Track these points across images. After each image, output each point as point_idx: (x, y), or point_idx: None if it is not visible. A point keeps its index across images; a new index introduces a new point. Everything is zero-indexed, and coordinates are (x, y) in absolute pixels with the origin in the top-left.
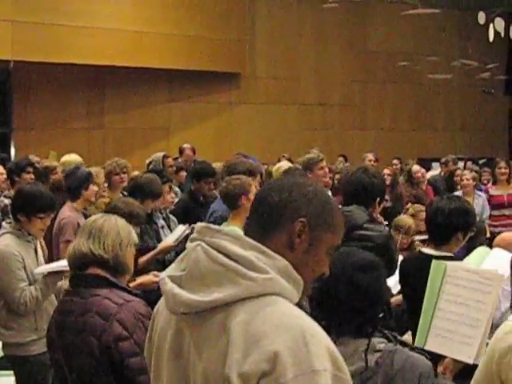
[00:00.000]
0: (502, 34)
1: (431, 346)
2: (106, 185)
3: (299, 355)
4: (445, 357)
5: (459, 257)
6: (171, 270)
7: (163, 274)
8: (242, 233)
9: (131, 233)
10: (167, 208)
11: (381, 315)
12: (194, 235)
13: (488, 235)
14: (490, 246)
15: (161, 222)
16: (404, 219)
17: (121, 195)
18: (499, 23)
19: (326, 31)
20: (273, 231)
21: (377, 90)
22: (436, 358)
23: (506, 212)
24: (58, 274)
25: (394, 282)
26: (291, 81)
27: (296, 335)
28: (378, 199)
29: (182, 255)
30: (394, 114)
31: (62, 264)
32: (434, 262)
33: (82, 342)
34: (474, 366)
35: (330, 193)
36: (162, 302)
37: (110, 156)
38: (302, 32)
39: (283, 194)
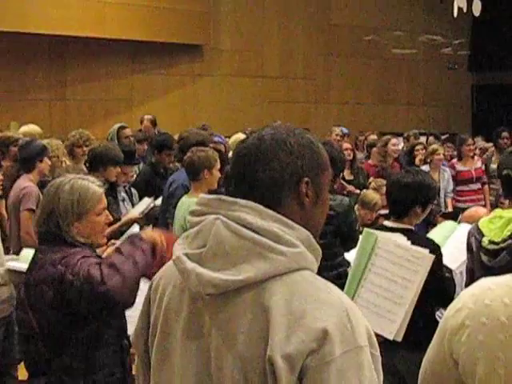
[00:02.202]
0: (465, 9)
1: None
2: (66, 157)
3: (345, 332)
4: None
5: (419, 230)
6: (184, 246)
7: (175, 252)
8: None
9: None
10: (129, 181)
11: None
12: (199, 208)
13: (450, 209)
14: (454, 219)
15: (122, 195)
16: (370, 194)
17: (83, 167)
18: None
19: (290, 4)
20: (279, 203)
21: (340, 63)
22: None
23: (474, 187)
24: None
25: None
26: (255, 53)
27: (339, 312)
28: (338, 171)
29: (194, 230)
30: (357, 88)
31: None
32: (365, 230)
33: (40, 294)
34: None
35: None
36: (161, 278)
37: (71, 127)
38: (266, 5)
39: (273, 164)
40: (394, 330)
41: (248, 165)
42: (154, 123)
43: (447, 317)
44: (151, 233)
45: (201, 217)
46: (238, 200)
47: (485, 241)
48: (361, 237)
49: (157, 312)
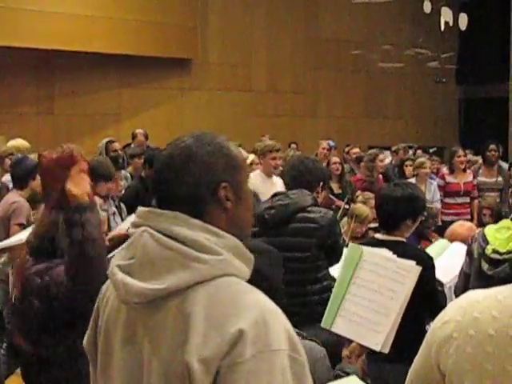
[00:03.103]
0: (451, 23)
1: (338, 328)
2: None
3: (259, 335)
4: (351, 340)
5: (411, 242)
6: (118, 258)
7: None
8: None
9: None
10: (118, 195)
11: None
12: (136, 220)
13: (440, 223)
14: (439, 232)
15: (112, 209)
16: (361, 207)
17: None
18: (446, 12)
19: (278, 18)
20: (203, 213)
21: (328, 77)
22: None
23: (460, 200)
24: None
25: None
26: (243, 67)
27: (256, 315)
28: (321, 184)
29: (127, 242)
30: (345, 101)
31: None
32: (350, 245)
33: (28, 305)
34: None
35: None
36: (107, 288)
37: (59, 142)
38: (255, 19)
39: (187, 179)
40: (381, 341)
41: (164, 183)
42: (146, 137)
43: (434, 328)
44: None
45: (136, 228)
46: (166, 212)
47: (489, 249)
48: (346, 251)
49: (101, 320)
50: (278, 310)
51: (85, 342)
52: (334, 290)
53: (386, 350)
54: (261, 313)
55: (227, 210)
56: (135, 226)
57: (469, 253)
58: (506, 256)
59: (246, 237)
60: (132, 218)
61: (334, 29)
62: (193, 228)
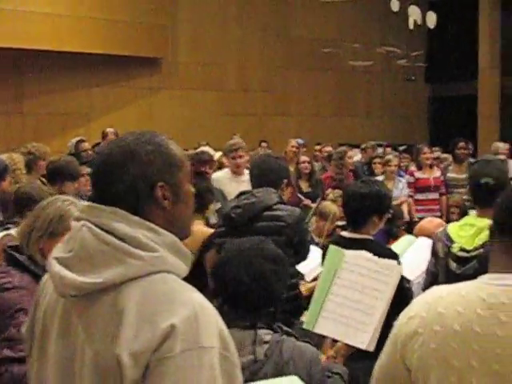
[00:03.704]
0: (419, 21)
1: (321, 328)
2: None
3: (190, 331)
4: (336, 341)
5: (379, 239)
6: (57, 251)
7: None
8: None
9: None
10: (87, 194)
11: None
12: (77, 215)
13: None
14: (409, 229)
15: None
16: (329, 205)
17: (39, 181)
18: (414, 11)
19: (248, 17)
20: (141, 211)
21: (299, 76)
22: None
23: (431, 196)
24: None
25: (309, 269)
26: (213, 66)
27: (188, 311)
28: (286, 181)
29: (67, 236)
30: (315, 100)
31: None
32: (331, 247)
33: None
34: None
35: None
36: (47, 280)
37: (29, 141)
38: (225, 18)
39: (124, 178)
40: (366, 339)
41: (102, 181)
42: (117, 136)
43: (400, 324)
44: None
45: (77, 222)
46: (106, 207)
47: (455, 247)
48: (327, 255)
49: (39, 312)
50: (211, 307)
51: (24, 329)
52: (315, 292)
53: (372, 349)
54: (193, 310)
55: (165, 209)
56: (76, 219)
57: (434, 252)
58: (473, 253)
59: (186, 236)
60: None
61: (305, 27)
62: (131, 224)
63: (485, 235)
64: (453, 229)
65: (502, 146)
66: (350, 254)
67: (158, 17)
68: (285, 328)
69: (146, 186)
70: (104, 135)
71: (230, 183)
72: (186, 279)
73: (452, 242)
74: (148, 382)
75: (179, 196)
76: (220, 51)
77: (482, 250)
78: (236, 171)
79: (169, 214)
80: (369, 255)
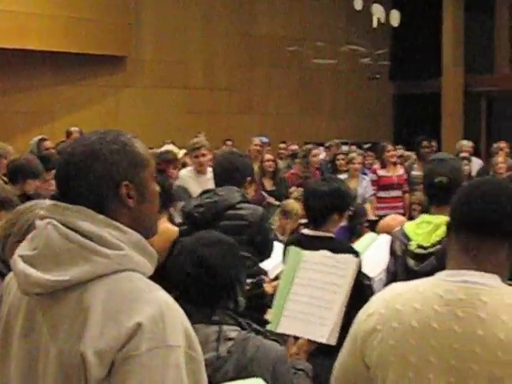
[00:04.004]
0: (382, 20)
1: (283, 328)
2: None
3: (156, 330)
4: (298, 338)
5: (340, 237)
6: (22, 249)
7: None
8: None
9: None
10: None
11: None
12: (42, 213)
13: (371, 217)
14: (373, 227)
15: None
16: (291, 204)
17: (0, 180)
18: (377, 9)
19: (212, 15)
20: (106, 210)
21: (263, 74)
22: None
23: (393, 194)
24: None
25: (272, 266)
26: (177, 64)
27: (154, 310)
28: (249, 179)
29: (31, 234)
30: (280, 98)
31: None
32: (290, 248)
33: None
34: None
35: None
36: (11, 279)
37: None
38: (189, 15)
39: (89, 177)
40: (326, 333)
41: (66, 181)
42: (82, 135)
43: (359, 321)
44: None
45: (41, 221)
46: (71, 206)
47: (413, 245)
48: (286, 257)
49: (3, 310)
50: (177, 306)
51: None
52: (276, 294)
53: (333, 342)
54: (159, 308)
55: (130, 208)
56: (41, 218)
57: (392, 252)
58: (430, 250)
59: (153, 235)
60: None
61: (269, 25)
62: (97, 223)
63: (441, 231)
64: (410, 227)
65: (466, 144)
66: (308, 254)
67: (122, 15)
68: (254, 325)
69: (110, 185)
70: (68, 134)
71: (194, 182)
72: (153, 279)
73: (409, 239)
74: (113, 381)
75: (144, 195)
76: (184, 49)
77: (438, 247)
78: (199, 170)
79: (134, 213)
80: (327, 253)
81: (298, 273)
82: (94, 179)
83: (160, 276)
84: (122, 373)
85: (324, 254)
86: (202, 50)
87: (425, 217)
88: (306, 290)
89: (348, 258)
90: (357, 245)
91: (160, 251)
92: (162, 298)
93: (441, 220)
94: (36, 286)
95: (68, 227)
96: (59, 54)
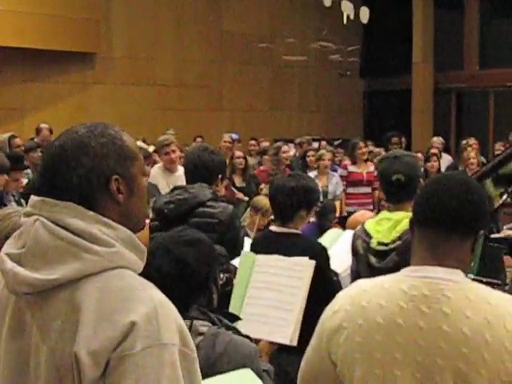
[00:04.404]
0: (352, 17)
1: (242, 330)
2: None
3: (150, 328)
4: (259, 340)
5: (307, 234)
6: (8, 246)
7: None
8: None
9: None
10: (18, 190)
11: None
12: (28, 209)
13: (339, 214)
14: (343, 223)
15: (12, 205)
16: (263, 200)
17: None
18: (347, 6)
19: (183, 12)
20: (95, 205)
21: (233, 71)
22: None
23: (363, 190)
24: None
25: None
26: (147, 61)
27: (148, 308)
28: (220, 176)
29: (18, 231)
30: (250, 95)
31: None
32: (243, 253)
33: None
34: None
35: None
36: None
37: None
38: (159, 12)
39: (78, 171)
40: (289, 335)
41: (53, 175)
42: (51, 132)
43: (325, 318)
44: None
45: (28, 218)
46: (59, 202)
47: (373, 242)
48: (239, 261)
49: None
50: (171, 305)
51: None
52: (231, 298)
53: (295, 343)
54: (153, 307)
55: (119, 203)
56: (27, 215)
57: (353, 251)
58: (391, 246)
59: (140, 230)
60: None
61: (239, 22)
62: (86, 219)
63: (401, 227)
64: (370, 224)
65: (436, 140)
66: (261, 258)
67: (91, 11)
68: (225, 321)
69: (100, 179)
70: (38, 131)
71: (164, 179)
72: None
73: (370, 237)
74: (108, 381)
75: (133, 190)
76: (154, 46)
77: (399, 242)
78: (169, 167)
79: (123, 208)
80: (280, 257)
81: (253, 277)
82: (84, 173)
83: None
84: (118, 373)
85: (277, 258)
86: (172, 47)
87: (385, 213)
88: (262, 293)
89: (303, 260)
90: (321, 240)
91: None
92: (156, 295)
93: (400, 216)
94: (24, 285)
95: (57, 224)
96: (28, 51)
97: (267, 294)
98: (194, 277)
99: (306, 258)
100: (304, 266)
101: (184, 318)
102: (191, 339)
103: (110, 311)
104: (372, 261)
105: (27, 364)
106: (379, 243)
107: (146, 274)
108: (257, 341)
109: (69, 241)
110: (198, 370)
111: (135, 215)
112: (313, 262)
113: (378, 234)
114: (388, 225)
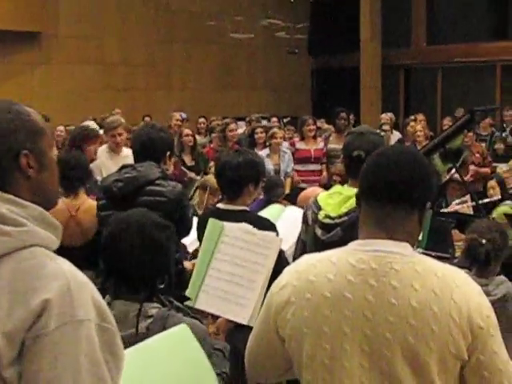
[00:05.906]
0: None
1: (202, 304)
2: None
3: (63, 305)
4: (217, 317)
5: (255, 210)
6: None
7: None
8: None
9: None
10: None
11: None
12: None
13: (288, 189)
14: (292, 200)
15: None
16: (211, 178)
17: None
18: None
19: None
20: (6, 183)
21: (181, 49)
22: None
23: (311, 167)
24: None
25: (190, 240)
26: (94, 40)
27: (61, 285)
28: (169, 153)
29: None
30: (198, 73)
31: None
32: (210, 220)
33: None
34: None
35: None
36: None
37: None
38: None
39: None
40: (248, 314)
41: None
42: None
43: (272, 294)
44: None
45: None
46: None
47: (321, 214)
48: (207, 228)
49: None
50: (85, 279)
51: None
52: (196, 266)
53: (253, 324)
54: (66, 283)
55: (30, 178)
56: None
57: (304, 220)
58: (337, 220)
59: (53, 205)
60: None
61: (187, 1)
62: None
63: (350, 204)
64: (322, 197)
65: (384, 116)
66: (229, 227)
67: None
68: (176, 303)
69: (9, 155)
70: None
71: (109, 160)
72: (85, 254)
73: (320, 209)
74: (25, 361)
75: (43, 164)
76: (100, 25)
77: (345, 218)
78: (114, 149)
79: (34, 184)
80: (248, 227)
81: (220, 247)
82: None
83: (92, 250)
84: (34, 352)
85: (245, 229)
86: (118, 26)
87: (338, 187)
88: (226, 267)
89: (271, 236)
90: (262, 215)
91: (90, 227)
92: (69, 270)
93: (351, 192)
94: None
95: None
96: None
97: (231, 268)
98: (167, 260)
99: (273, 234)
100: (271, 243)
101: (134, 299)
102: (109, 312)
103: (23, 291)
104: (318, 233)
105: None
106: (326, 216)
107: (118, 249)
108: (215, 317)
109: None
110: (120, 342)
111: (47, 190)
112: (280, 239)
113: (328, 207)
114: (338, 199)
